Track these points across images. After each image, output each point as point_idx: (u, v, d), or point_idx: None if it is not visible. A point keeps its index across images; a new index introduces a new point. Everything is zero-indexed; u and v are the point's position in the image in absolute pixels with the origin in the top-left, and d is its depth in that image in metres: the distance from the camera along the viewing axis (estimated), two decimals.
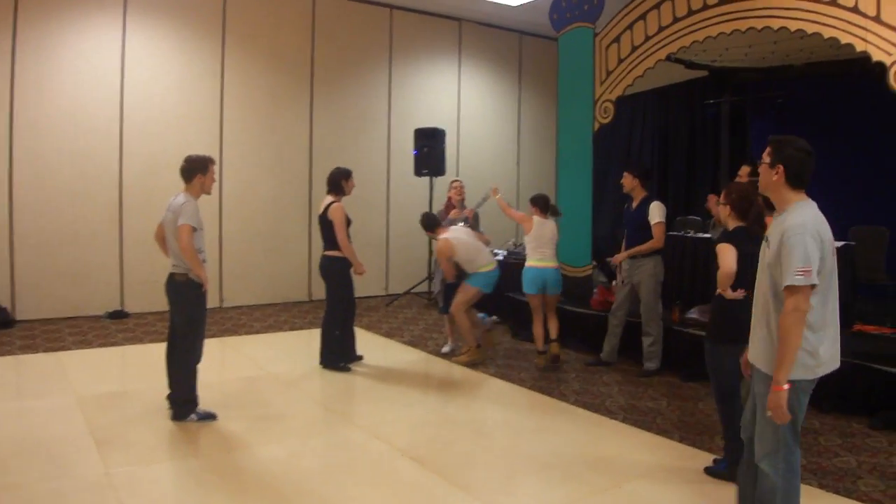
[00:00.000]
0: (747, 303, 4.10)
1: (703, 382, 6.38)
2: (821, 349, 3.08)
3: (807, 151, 3.13)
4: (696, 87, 10.95)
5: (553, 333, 7.09)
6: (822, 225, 3.10)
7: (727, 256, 4.02)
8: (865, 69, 7.94)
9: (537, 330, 7.13)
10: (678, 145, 11.53)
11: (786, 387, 3.02)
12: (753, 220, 4.15)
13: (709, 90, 10.65)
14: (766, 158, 3.19)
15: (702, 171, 11.10)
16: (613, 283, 8.04)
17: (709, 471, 4.38)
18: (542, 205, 7.26)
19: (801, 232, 3.01)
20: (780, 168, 3.13)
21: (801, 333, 3.01)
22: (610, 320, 7.07)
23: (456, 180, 8.11)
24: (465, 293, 7.08)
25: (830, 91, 9.21)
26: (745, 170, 6.15)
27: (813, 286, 2.99)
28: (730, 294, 4.07)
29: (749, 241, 4.11)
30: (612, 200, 11.97)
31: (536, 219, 7.18)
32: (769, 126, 10.03)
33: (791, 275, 2.98)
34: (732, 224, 4.25)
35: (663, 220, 6.65)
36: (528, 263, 7.17)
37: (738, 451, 4.19)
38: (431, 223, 7.33)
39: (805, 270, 2.97)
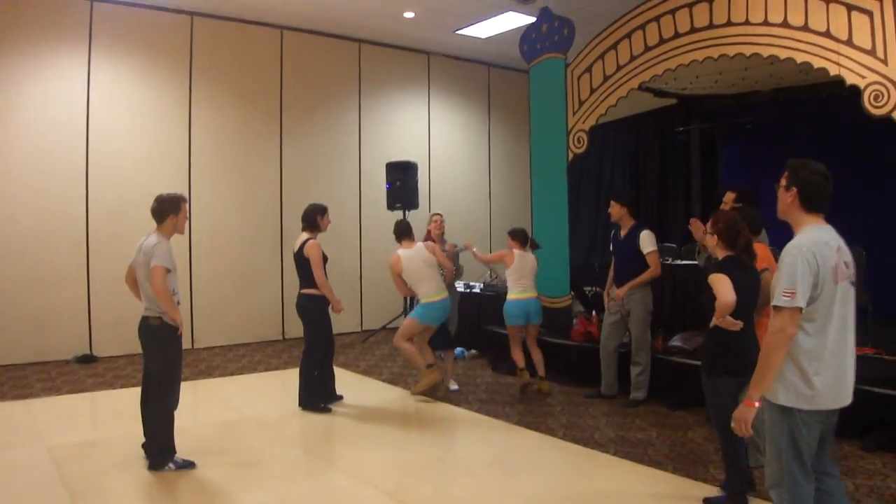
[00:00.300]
0: (744, 333, 4.05)
1: (690, 410, 6.35)
2: (816, 380, 2.99)
3: (823, 175, 3.10)
4: (665, 115, 11.06)
5: (541, 370, 7.17)
6: (825, 249, 3.01)
7: (724, 287, 3.94)
8: (833, 92, 8.08)
9: (518, 354, 7.19)
10: (649, 173, 11.60)
11: (756, 404, 3.06)
12: (742, 249, 4.10)
13: (678, 118, 10.75)
14: (782, 182, 3.17)
15: (673, 198, 11.16)
16: (594, 313, 7.99)
17: (709, 502, 4.27)
18: (521, 238, 7.31)
19: (794, 253, 2.98)
20: (795, 191, 3.11)
21: (781, 356, 2.99)
22: (602, 353, 6.95)
23: (436, 214, 7.95)
24: (405, 324, 7.02)
25: (799, 115, 9.33)
26: (729, 196, 6.08)
27: (799, 309, 2.94)
28: (729, 323, 3.98)
29: (739, 269, 4.06)
30: (584, 229, 12.01)
31: (517, 252, 7.17)
32: (739, 152, 10.14)
33: (778, 295, 2.97)
34: (721, 253, 4.19)
35: (656, 248, 6.61)
36: (512, 296, 7.18)
37: (738, 483, 4.11)
38: (400, 232, 7.13)
39: (789, 292, 2.94)
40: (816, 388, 2.99)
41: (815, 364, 3.00)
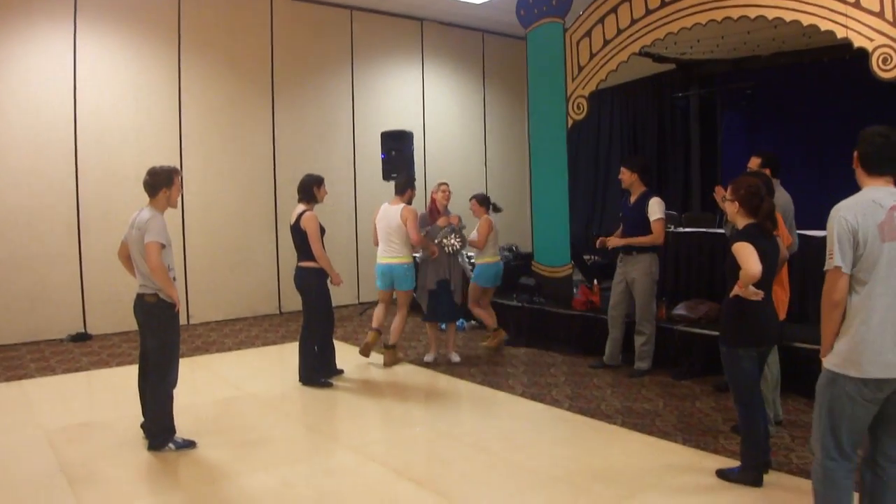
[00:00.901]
0: (764, 303, 3.95)
1: (696, 380, 6.28)
2: (862, 345, 2.87)
3: (882, 136, 3.00)
4: (663, 80, 10.91)
5: (494, 322, 7.81)
6: (869, 207, 2.90)
7: (750, 256, 3.81)
8: (835, 56, 7.95)
9: (491, 316, 7.80)
10: (647, 140, 11.46)
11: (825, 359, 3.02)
12: (765, 216, 3.97)
13: (676, 83, 10.59)
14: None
15: (673, 165, 11.03)
16: (595, 282, 7.90)
17: (722, 474, 4.18)
18: (488, 204, 7.74)
19: (832, 215, 2.94)
20: (856, 154, 3.05)
21: (831, 319, 2.95)
22: (609, 322, 6.85)
23: (443, 183, 7.61)
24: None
25: (801, 79, 9.18)
26: (755, 161, 5.89)
27: (839, 270, 2.87)
28: (751, 293, 3.87)
29: (762, 237, 3.94)
30: (583, 197, 11.89)
31: (490, 218, 7.59)
32: (740, 117, 10.00)
33: (826, 258, 2.94)
34: (742, 221, 4.06)
35: (663, 216, 6.47)
36: (493, 259, 7.62)
37: (755, 457, 4.03)
38: (398, 186, 7.22)
39: (830, 254, 2.91)
40: (862, 353, 2.87)
41: (862, 328, 2.88)
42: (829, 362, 2.97)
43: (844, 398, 2.91)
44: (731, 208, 4.12)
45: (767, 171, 5.74)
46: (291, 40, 10.57)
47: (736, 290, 3.91)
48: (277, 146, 10.45)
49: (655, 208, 6.46)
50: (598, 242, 6.90)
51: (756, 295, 3.87)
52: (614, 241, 6.70)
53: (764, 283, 3.90)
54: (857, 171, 3.06)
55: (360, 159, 11.23)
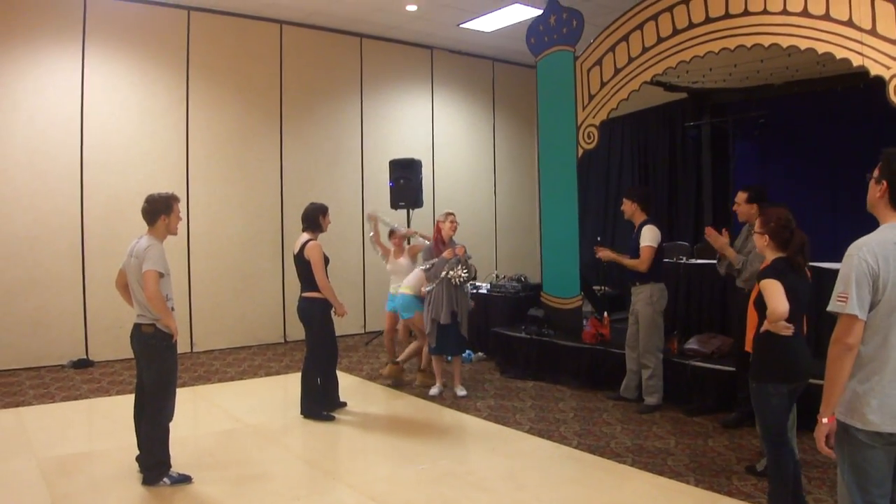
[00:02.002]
0: (795, 338, 3.80)
1: (708, 417, 6.09)
2: (872, 399, 2.64)
3: None
4: (675, 109, 10.79)
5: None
6: (890, 251, 2.65)
7: (776, 294, 3.69)
8: (850, 84, 7.83)
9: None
10: (659, 169, 11.33)
11: (825, 421, 2.75)
12: (796, 250, 3.83)
13: (688, 112, 10.47)
14: (875, 172, 2.82)
15: (685, 195, 10.89)
16: (605, 314, 7.75)
17: None
18: None
19: (852, 253, 2.68)
20: (885, 185, 2.75)
21: (841, 367, 2.67)
22: (627, 354, 6.72)
23: (450, 213, 7.31)
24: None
25: (814, 108, 9.05)
26: (741, 196, 5.85)
27: (855, 317, 2.61)
28: (781, 327, 3.73)
29: (792, 272, 3.79)
30: (593, 227, 11.74)
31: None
32: (752, 146, 9.86)
33: (833, 299, 2.68)
34: (771, 255, 3.91)
35: (653, 244, 6.35)
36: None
37: (783, 498, 3.85)
38: None
39: (843, 296, 2.64)
40: (872, 407, 2.64)
41: (874, 379, 2.65)
42: (838, 411, 2.74)
43: (863, 448, 2.68)
44: (760, 241, 3.98)
45: (755, 207, 5.65)
46: (301, 67, 10.53)
47: (766, 326, 3.78)
48: (285, 173, 10.38)
49: (647, 235, 6.38)
50: (596, 249, 6.90)
51: (787, 329, 3.73)
52: (606, 254, 6.74)
53: (795, 317, 3.76)
54: (879, 205, 2.79)
55: (368, 187, 11.14)
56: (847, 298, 2.63)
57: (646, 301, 6.39)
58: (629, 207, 6.61)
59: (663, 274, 6.60)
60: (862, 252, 2.66)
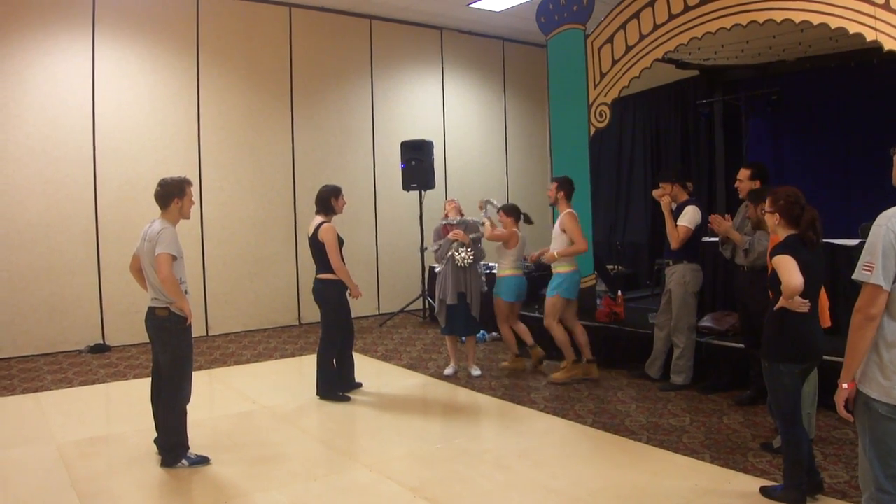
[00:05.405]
0: (809, 316, 3.79)
1: (723, 394, 6.09)
2: (891, 373, 2.64)
3: None
4: (686, 87, 10.72)
5: (531, 339, 7.34)
6: None
7: (790, 269, 3.67)
8: (863, 60, 7.75)
9: (511, 335, 7.33)
10: (671, 147, 11.25)
11: (845, 386, 2.78)
12: (807, 226, 3.80)
13: (700, 90, 10.39)
14: None
15: (697, 173, 10.80)
16: (619, 293, 7.73)
17: (765, 492, 4.00)
18: (517, 215, 7.29)
19: (880, 223, 2.66)
20: None
21: (864, 337, 2.68)
22: (655, 333, 6.73)
23: (452, 200, 7.52)
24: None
25: (827, 84, 8.96)
26: (744, 173, 5.81)
27: (880, 287, 2.61)
28: (798, 304, 3.73)
29: (804, 249, 3.77)
30: (605, 206, 11.70)
31: (517, 231, 7.26)
32: (765, 123, 9.79)
33: (858, 268, 2.68)
34: (783, 232, 3.89)
35: (689, 225, 6.29)
36: (513, 272, 7.21)
37: (797, 476, 3.85)
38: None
39: (868, 266, 2.64)
40: (889, 377, 2.65)
41: (894, 352, 2.65)
42: (860, 381, 2.75)
43: (883, 420, 2.68)
44: (771, 220, 3.96)
45: (758, 183, 5.62)
46: (310, 50, 10.51)
47: (781, 303, 3.77)
48: (296, 156, 10.39)
49: (685, 215, 6.33)
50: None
51: (803, 306, 3.73)
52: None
53: (809, 295, 3.75)
54: None
55: (380, 169, 11.14)
56: (873, 268, 2.63)
57: (678, 280, 6.38)
58: (670, 190, 6.52)
59: (699, 255, 6.56)
60: (892, 223, 2.63)
